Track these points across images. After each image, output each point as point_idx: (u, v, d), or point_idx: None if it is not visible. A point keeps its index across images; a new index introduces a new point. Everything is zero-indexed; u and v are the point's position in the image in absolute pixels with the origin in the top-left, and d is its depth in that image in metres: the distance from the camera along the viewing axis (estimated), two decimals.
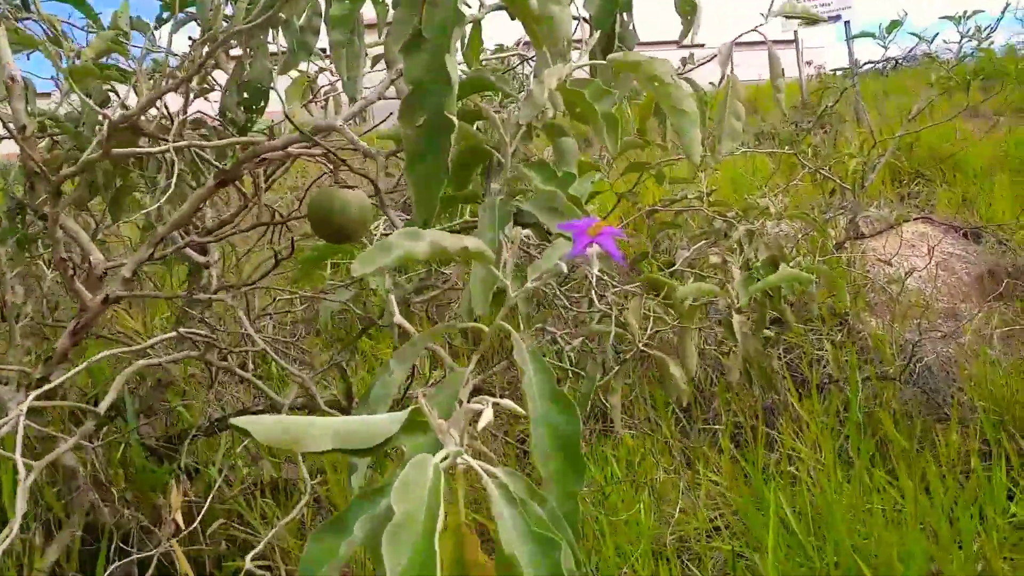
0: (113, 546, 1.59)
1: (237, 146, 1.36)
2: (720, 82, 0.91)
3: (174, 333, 1.02)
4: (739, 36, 0.98)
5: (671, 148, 1.46)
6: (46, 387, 0.90)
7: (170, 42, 1.21)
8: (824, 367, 2.79)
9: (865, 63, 7.04)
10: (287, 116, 0.81)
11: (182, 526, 1.14)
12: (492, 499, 0.41)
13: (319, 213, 1.04)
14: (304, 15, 1.31)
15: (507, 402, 0.41)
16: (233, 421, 0.42)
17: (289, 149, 0.99)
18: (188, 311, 1.71)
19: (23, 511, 0.81)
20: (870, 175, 2.89)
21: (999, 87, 3.86)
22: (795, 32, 8.64)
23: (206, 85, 1.77)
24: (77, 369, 0.98)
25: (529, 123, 0.64)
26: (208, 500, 1.30)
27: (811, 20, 0.99)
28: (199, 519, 1.21)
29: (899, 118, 5.98)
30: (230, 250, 1.97)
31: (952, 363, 2.78)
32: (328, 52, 1.46)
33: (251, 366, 1.83)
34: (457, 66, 0.59)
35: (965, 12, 2.98)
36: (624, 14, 0.92)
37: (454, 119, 0.57)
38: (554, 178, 0.60)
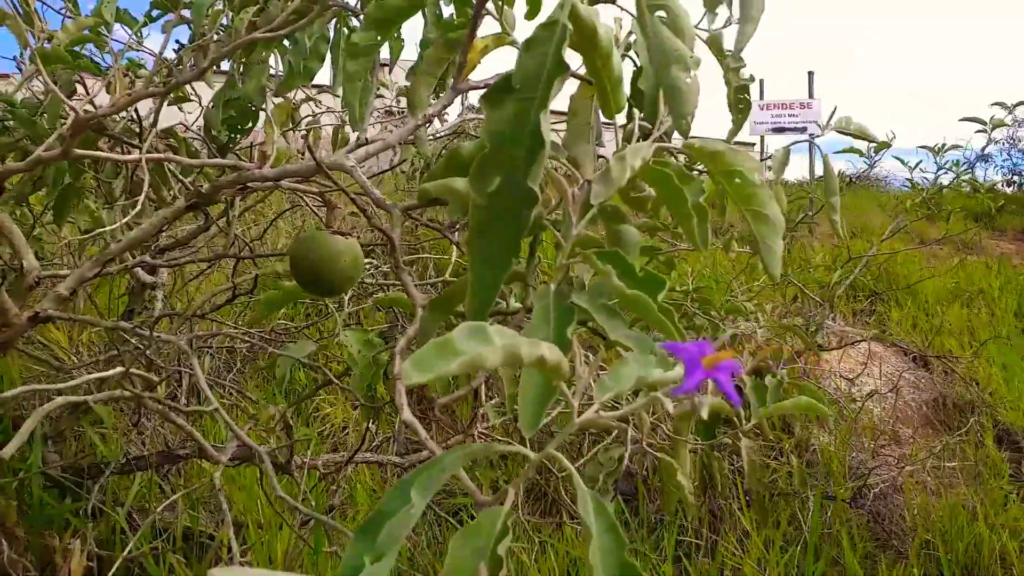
0: None
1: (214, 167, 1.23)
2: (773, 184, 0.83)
3: (120, 369, 0.87)
4: (793, 143, 0.91)
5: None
6: None
7: (166, 44, 1.08)
8: (771, 477, 2.73)
9: (818, 177, 7.28)
10: (318, 161, 0.69)
11: None
12: None
13: (305, 259, 0.91)
14: (313, 39, 1.20)
15: None
16: (211, 572, 0.29)
17: (282, 183, 0.86)
18: (124, 335, 1.54)
19: None
20: (839, 288, 2.89)
21: (944, 219, 3.97)
22: (761, 138, 8.92)
23: (181, 94, 1.64)
24: None
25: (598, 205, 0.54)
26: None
27: (864, 138, 0.93)
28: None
29: (851, 234, 6.14)
30: (178, 273, 1.81)
31: (899, 490, 2.75)
32: (331, 83, 1.36)
33: (184, 400, 1.65)
34: (551, 127, 0.48)
35: (944, 144, 3.05)
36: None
37: (537, 191, 0.47)
38: (634, 276, 0.49)
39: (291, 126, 1.98)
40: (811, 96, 8.13)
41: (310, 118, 2.06)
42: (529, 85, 0.49)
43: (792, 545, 2.36)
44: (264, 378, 2.60)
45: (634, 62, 0.94)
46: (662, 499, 1.06)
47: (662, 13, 0.54)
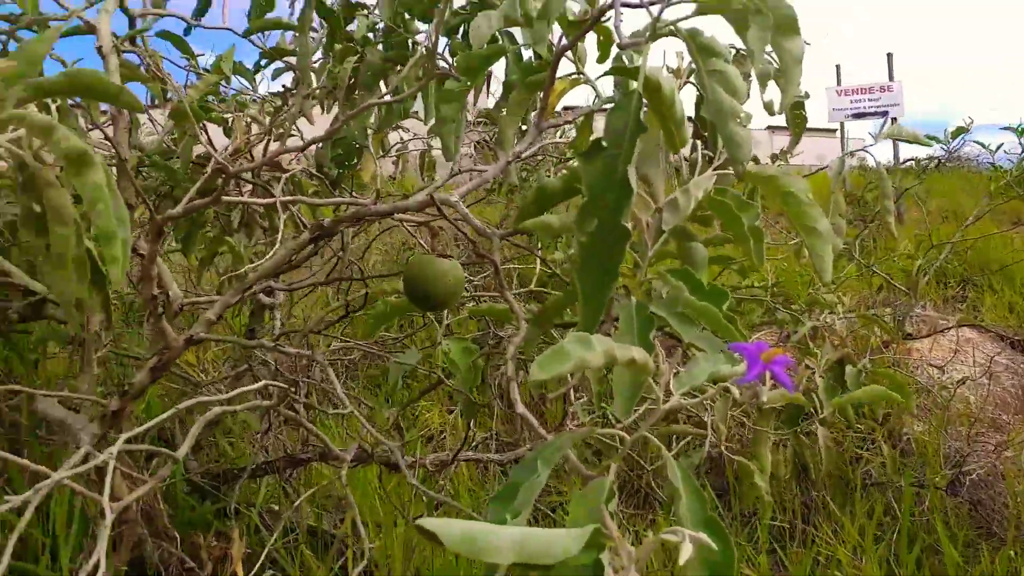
0: None
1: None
2: (832, 191, 0.92)
3: (261, 384, 1.02)
4: (850, 151, 0.99)
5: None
6: (134, 432, 0.90)
7: (299, 109, 1.24)
8: (865, 467, 2.73)
9: (906, 160, 7.04)
10: (433, 198, 0.83)
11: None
12: None
13: (416, 279, 1.05)
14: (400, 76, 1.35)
15: (703, 537, 0.41)
16: (420, 523, 0.41)
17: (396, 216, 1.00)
18: (252, 351, 1.73)
19: (104, 552, 0.81)
20: (923, 277, 2.88)
21: None
22: (841, 124, 8.73)
23: (283, 129, 1.82)
24: (163, 416, 0.98)
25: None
26: (252, 547, 1.28)
27: (917, 142, 1.01)
28: (256, 569, 1.20)
29: (940, 218, 5.96)
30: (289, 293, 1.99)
31: (1000, 477, 2.71)
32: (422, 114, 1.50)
33: (303, 412, 1.82)
34: (635, 175, 0.60)
35: None
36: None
37: (628, 228, 0.58)
38: (702, 290, 0.60)
39: (382, 152, 2.15)
40: (891, 78, 7.91)
41: (399, 144, 2.23)
42: (616, 143, 0.61)
43: (888, 534, 2.37)
44: (366, 386, 2.79)
45: (697, 88, 1.04)
46: (742, 499, 1.14)
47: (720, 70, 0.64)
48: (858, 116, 7.80)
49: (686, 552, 0.41)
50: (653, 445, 0.54)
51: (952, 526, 2.44)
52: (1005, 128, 2.99)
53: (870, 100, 7.92)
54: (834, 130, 10.89)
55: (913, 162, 3.84)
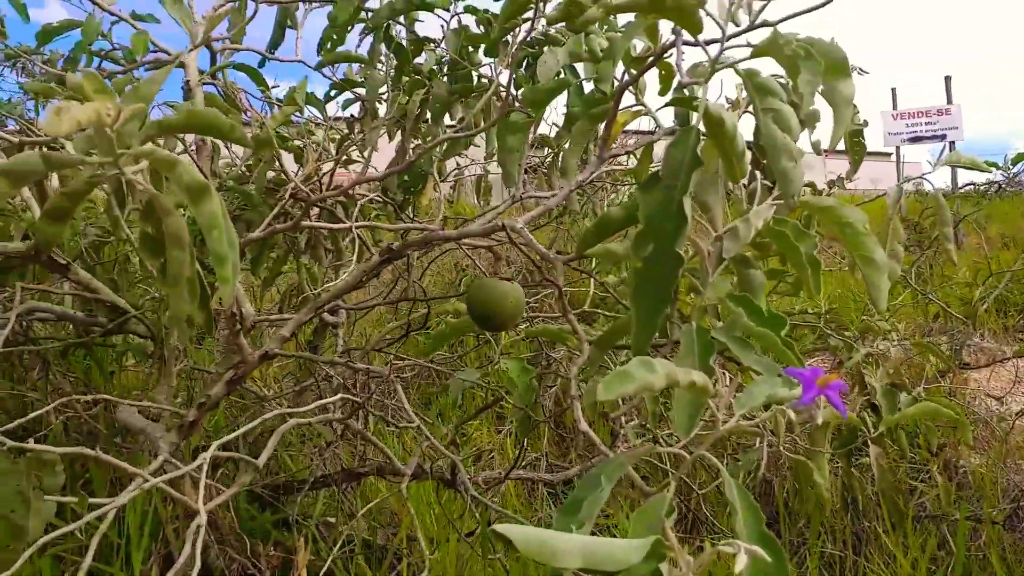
0: None
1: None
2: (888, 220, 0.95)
3: (337, 397, 1.09)
4: (906, 180, 1.02)
5: None
6: (223, 440, 0.97)
7: (370, 136, 1.32)
8: (919, 500, 2.69)
9: (965, 184, 6.89)
10: (504, 224, 0.88)
11: None
12: None
13: (478, 301, 1.10)
14: (474, 114, 1.41)
15: (758, 550, 0.44)
16: (495, 528, 0.46)
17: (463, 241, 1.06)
18: (315, 367, 1.80)
19: (199, 550, 0.87)
20: (982, 305, 2.83)
21: None
22: (896, 148, 8.60)
23: (346, 156, 1.91)
24: (250, 425, 1.05)
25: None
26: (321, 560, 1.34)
27: (976, 168, 1.02)
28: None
29: (1001, 244, 5.82)
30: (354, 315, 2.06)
31: None
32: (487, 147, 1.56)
33: (360, 423, 1.89)
34: (691, 205, 0.64)
35: None
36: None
37: (682, 255, 0.63)
38: (761, 316, 0.64)
39: (440, 177, 2.22)
40: (949, 101, 7.77)
41: (456, 170, 2.30)
42: (673, 175, 0.65)
43: (942, 569, 2.32)
44: (418, 403, 2.85)
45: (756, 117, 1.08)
46: (800, 502, 1.15)
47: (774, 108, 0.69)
48: (914, 140, 7.68)
49: (741, 562, 0.45)
50: (703, 467, 0.57)
51: (1009, 562, 2.38)
52: None
53: (927, 124, 7.80)
54: (889, 154, 10.73)
55: (972, 187, 3.78)
